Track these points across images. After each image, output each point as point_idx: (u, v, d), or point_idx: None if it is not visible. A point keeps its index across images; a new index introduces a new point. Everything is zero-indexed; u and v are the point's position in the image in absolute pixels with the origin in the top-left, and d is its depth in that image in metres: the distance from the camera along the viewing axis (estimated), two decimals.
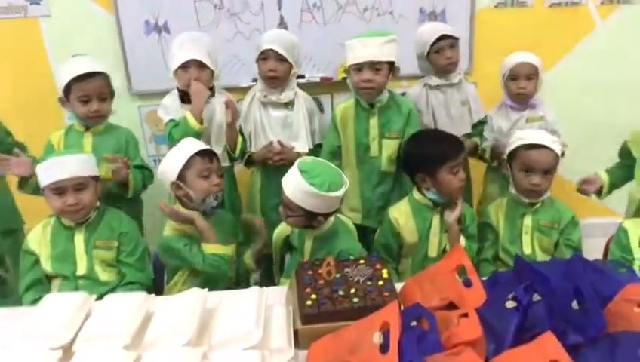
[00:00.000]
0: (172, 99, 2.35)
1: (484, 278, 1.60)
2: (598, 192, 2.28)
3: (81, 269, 1.93)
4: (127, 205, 2.23)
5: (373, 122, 2.30)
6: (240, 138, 2.38)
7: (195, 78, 2.22)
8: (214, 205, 1.97)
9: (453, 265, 1.59)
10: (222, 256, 1.91)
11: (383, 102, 2.27)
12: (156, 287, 2.06)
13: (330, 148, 2.38)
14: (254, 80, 2.84)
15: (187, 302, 1.41)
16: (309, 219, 1.79)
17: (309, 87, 2.72)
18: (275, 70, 2.30)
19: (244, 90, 2.73)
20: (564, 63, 3.00)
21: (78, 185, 1.88)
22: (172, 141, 2.21)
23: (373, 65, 2.15)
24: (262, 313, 1.37)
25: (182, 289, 1.96)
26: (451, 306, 1.46)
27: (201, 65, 2.24)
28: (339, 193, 1.74)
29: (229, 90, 2.76)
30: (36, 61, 2.80)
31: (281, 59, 2.29)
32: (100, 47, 2.78)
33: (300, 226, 1.85)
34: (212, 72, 2.30)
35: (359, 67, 2.17)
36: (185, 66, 2.23)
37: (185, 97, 2.29)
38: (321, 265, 1.63)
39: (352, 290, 1.49)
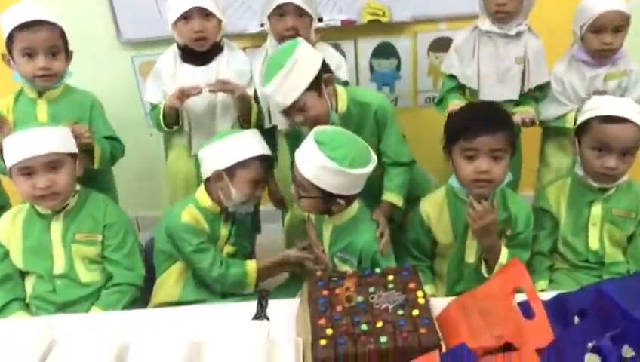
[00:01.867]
0: (168, 61, 1.98)
1: (547, 297, 1.26)
2: None
3: (59, 267, 1.66)
4: (96, 187, 1.89)
5: None
6: (255, 107, 1.99)
7: (200, 30, 1.88)
8: (250, 211, 1.78)
9: (509, 287, 1.26)
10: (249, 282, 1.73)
11: (341, 114, 1.74)
12: (148, 285, 1.77)
13: None
14: (263, 25, 2.42)
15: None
16: (325, 202, 1.51)
17: (328, 33, 2.28)
18: (296, 28, 1.89)
19: (253, 38, 2.36)
20: None
21: (51, 163, 1.56)
22: (154, 124, 1.96)
23: (294, 107, 1.66)
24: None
25: (175, 285, 1.74)
26: (507, 345, 1.12)
27: (205, 13, 1.88)
28: (364, 170, 1.47)
29: (234, 37, 2.36)
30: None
31: (302, 13, 1.89)
32: None
33: (315, 211, 1.59)
34: (219, 21, 1.93)
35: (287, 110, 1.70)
36: (186, 17, 1.87)
37: (188, 55, 1.94)
38: (337, 280, 1.30)
39: (379, 324, 1.20)
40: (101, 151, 1.87)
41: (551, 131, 2.14)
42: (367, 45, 2.50)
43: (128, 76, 2.58)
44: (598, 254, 1.68)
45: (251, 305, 1.39)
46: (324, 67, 1.67)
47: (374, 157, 1.52)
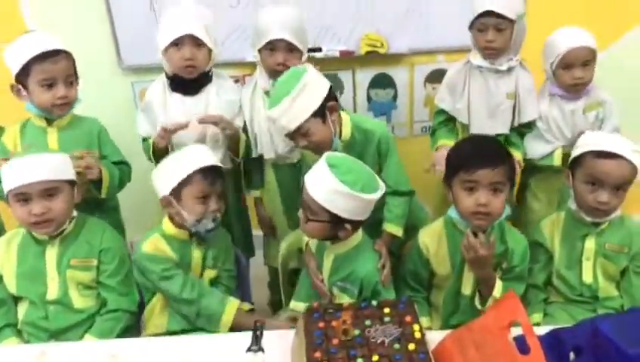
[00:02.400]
0: (157, 91, 1.96)
1: (542, 332, 1.26)
2: None
3: (52, 292, 1.64)
4: (100, 211, 1.91)
5: None
6: (243, 137, 1.99)
7: (190, 57, 1.85)
8: (210, 228, 1.66)
9: (504, 321, 1.25)
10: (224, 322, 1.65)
11: (345, 141, 1.76)
12: (142, 311, 1.77)
13: None
14: None
15: None
16: (333, 226, 1.50)
17: (327, 63, 2.32)
18: (287, 63, 1.86)
19: (251, 66, 2.36)
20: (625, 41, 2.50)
21: (47, 190, 1.56)
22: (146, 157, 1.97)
23: (297, 132, 1.68)
24: None
25: (160, 317, 1.72)
26: None
27: (197, 42, 1.85)
28: (374, 196, 1.47)
29: (233, 65, 2.41)
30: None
31: (293, 48, 1.88)
32: (83, 15, 2.43)
33: (321, 236, 1.56)
34: (210, 50, 1.91)
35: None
36: (177, 44, 1.84)
37: (177, 84, 1.92)
38: (334, 313, 1.30)
39: (375, 357, 1.20)
40: (110, 178, 1.87)
41: (536, 168, 2.13)
42: (365, 75, 2.54)
43: (129, 102, 2.59)
44: (592, 288, 1.68)
45: (246, 336, 1.38)
46: (330, 94, 1.69)
47: (382, 184, 1.53)
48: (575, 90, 1.98)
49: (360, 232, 1.59)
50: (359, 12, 2.38)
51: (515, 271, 1.63)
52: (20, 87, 1.78)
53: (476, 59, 2.02)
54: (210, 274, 1.73)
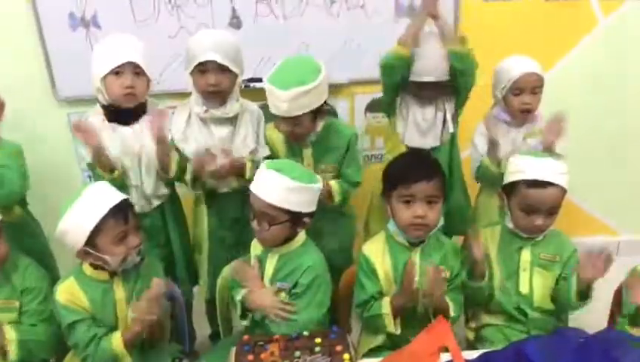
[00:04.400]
0: (96, 123, 1.89)
1: (473, 357, 1.27)
2: None
3: None
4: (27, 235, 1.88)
5: (307, 154, 1.98)
6: (176, 155, 1.95)
7: (131, 85, 1.83)
8: (137, 261, 1.60)
9: (434, 346, 1.25)
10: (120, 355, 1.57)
11: (315, 136, 1.95)
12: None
13: None
14: None
15: None
16: (294, 224, 1.60)
17: (259, 95, 2.31)
18: (219, 84, 1.87)
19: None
20: (565, 63, 2.62)
21: None
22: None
23: (292, 121, 1.83)
24: None
25: None
26: None
27: (136, 71, 1.83)
28: (318, 185, 1.62)
29: (173, 95, 2.36)
30: None
31: (224, 69, 1.87)
32: (16, 46, 2.37)
33: (282, 238, 1.62)
34: (148, 80, 1.89)
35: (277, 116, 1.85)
36: (117, 72, 1.81)
37: (114, 114, 1.88)
38: (264, 345, 1.27)
39: None
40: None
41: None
42: None
43: (65, 133, 2.50)
44: (528, 298, 1.71)
45: None
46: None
47: (318, 176, 1.66)
48: (522, 116, 2.06)
49: (303, 233, 1.66)
50: (300, 42, 2.41)
51: (456, 281, 1.68)
52: None
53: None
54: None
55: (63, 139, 2.52)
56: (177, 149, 1.96)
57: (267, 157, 1.97)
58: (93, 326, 1.55)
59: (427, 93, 2.05)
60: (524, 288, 1.72)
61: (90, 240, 1.50)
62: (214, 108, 1.93)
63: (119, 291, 1.59)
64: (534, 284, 1.72)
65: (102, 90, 1.85)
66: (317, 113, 1.86)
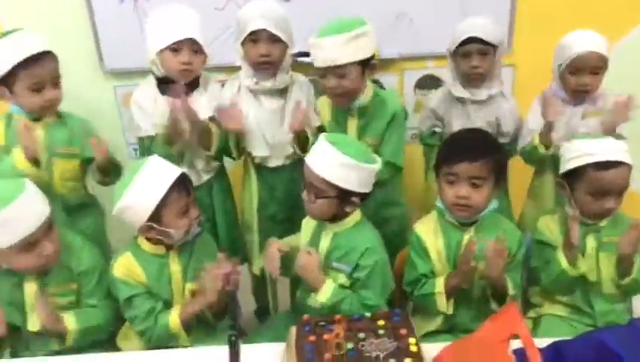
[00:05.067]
0: (147, 94, 1.88)
1: (543, 345, 1.21)
2: None
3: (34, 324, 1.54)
4: (84, 215, 1.88)
5: (352, 125, 1.90)
6: (216, 131, 1.92)
7: (189, 62, 1.80)
8: (197, 232, 1.60)
9: (505, 333, 1.20)
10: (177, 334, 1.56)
11: (363, 103, 1.86)
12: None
13: None
14: None
15: None
16: (341, 202, 1.53)
17: (308, 69, 2.26)
18: (270, 55, 1.85)
19: (238, 70, 2.29)
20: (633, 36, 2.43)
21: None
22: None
23: (336, 70, 1.74)
24: None
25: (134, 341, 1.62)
26: None
27: (195, 49, 1.81)
28: (375, 166, 1.55)
29: (220, 69, 2.32)
30: None
31: (275, 40, 1.83)
32: (64, 19, 2.35)
33: (329, 214, 1.56)
34: (205, 57, 1.86)
35: (324, 72, 1.77)
36: (174, 49, 1.78)
37: (169, 88, 1.84)
38: (326, 325, 1.24)
39: None
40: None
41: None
42: None
43: (111, 106, 2.51)
44: (596, 287, 1.65)
45: (224, 351, 1.30)
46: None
47: (378, 158, 1.60)
48: (578, 96, 1.95)
49: (359, 212, 1.60)
50: (350, 16, 2.33)
51: (516, 259, 1.61)
52: (5, 90, 1.72)
53: (457, 90, 2.02)
54: (191, 287, 1.61)
55: (109, 111, 2.52)
56: (218, 124, 1.93)
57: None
58: (151, 299, 1.55)
59: None
60: (591, 276, 1.64)
61: (154, 215, 1.48)
62: (264, 80, 1.90)
63: (175, 265, 1.58)
64: (602, 271, 1.65)
65: (156, 63, 1.83)
66: (365, 67, 1.77)
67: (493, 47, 1.93)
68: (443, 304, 1.57)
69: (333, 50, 1.70)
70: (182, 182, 1.52)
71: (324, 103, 1.96)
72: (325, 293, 1.51)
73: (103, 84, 2.48)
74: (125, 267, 1.55)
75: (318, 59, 1.76)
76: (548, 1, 2.31)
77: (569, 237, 1.59)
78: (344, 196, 1.51)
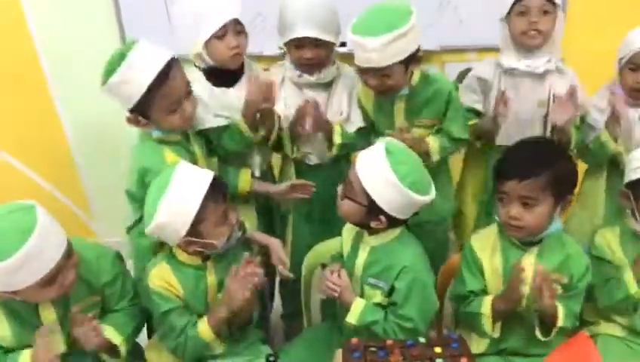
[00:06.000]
0: (197, 87, 1.69)
1: None
2: None
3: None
4: None
5: (399, 109, 1.77)
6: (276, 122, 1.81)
7: (237, 45, 1.67)
8: (239, 235, 1.49)
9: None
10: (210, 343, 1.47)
11: (410, 90, 1.74)
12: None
13: None
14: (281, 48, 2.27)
15: None
16: (367, 213, 1.39)
17: (350, 58, 2.11)
18: (314, 58, 1.76)
19: (270, 60, 2.15)
20: None
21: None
22: (226, 152, 1.78)
23: (378, 71, 1.61)
24: None
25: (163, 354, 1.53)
26: None
27: (238, 30, 1.68)
28: (421, 198, 1.36)
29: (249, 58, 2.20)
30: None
31: (321, 42, 1.73)
32: (89, 6, 2.28)
33: (353, 218, 1.45)
34: (247, 37, 1.73)
35: (365, 71, 1.64)
36: (219, 35, 1.65)
37: (217, 77, 1.73)
38: (377, 351, 1.13)
39: None
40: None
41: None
42: None
43: None
44: None
45: None
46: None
47: (434, 190, 1.42)
48: (636, 95, 1.79)
49: (399, 228, 1.46)
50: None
51: (576, 289, 1.46)
52: (139, 117, 1.53)
53: (509, 59, 1.80)
54: None
55: None
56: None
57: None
58: (187, 314, 1.46)
59: None
60: None
61: (192, 230, 1.36)
62: (309, 74, 1.80)
63: (211, 277, 1.48)
64: None
65: (203, 56, 1.69)
66: (409, 62, 1.64)
67: (554, 4, 1.73)
68: (489, 326, 1.46)
69: (376, 53, 1.55)
70: (216, 188, 1.40)
71: (366, 90, 1.81)
72: (354, 314, 1.41)
73: None
74: (162, 279, 1.44)
75: (359, 58, 1.62)
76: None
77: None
78: (373, 209, 1.37)
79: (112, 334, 1.43)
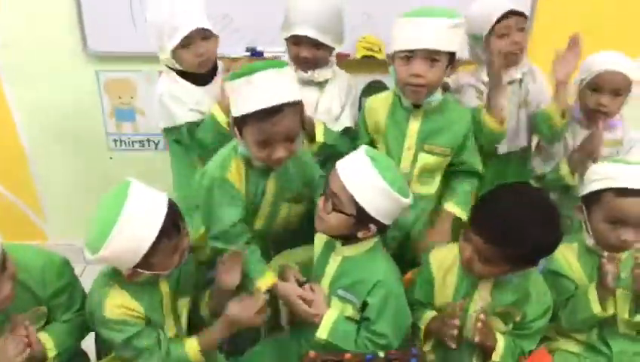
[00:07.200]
0: (175, 86, 1.78)
1: None
2: None
3: None
4: None
5: (414, 126, 1.70)
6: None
7: (202, 54, 1.72)
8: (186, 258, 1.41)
9: None
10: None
11: (431, 105, 1.67)
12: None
13: None
14: (250, 50, 2.23)
15: None
16: (356, 223, 1.36)
17: (374, 67, 2.22)
18: (310, 57, 1.78)
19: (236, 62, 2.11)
20: None
21: None
22: (203, 147, 1.75)
23: (429, 56, 1.55)
24: None
25: None
26: None
27: (203, 36, 1.71)
28: (406, 200, 1.36)
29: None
30: None
31: (320, 44, 1.76)
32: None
33: (339, 231, 1.40)
34: (216, 38, 1.76)
35: (409, 55, 1.56)
36: (184, 44, 1.69)
37: (189, 77, 1.78)
38: (330, 361, 1.09)
39: None
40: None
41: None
42: (359, 81, 2.30)
43: (91, 93, 2.32)
44: (612, 325, 1.53)
45: None
46: None
47: (410, 193, 1.41)
48: (595, 116, 1.82)
49: (376, 238, 1.45)
50: (357, 13, 2.18)
51: (526, 327, 1.46)
52: (236, 130, 1.46)
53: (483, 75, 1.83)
54: (184, 304, 1.46)
55: (89, 97, 2.33)
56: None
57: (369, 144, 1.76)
58: (151, 328, 1.38)
59: None
60: (610, 308, 1.50)
61: (142, 263, 1.27)
62: (303, 71, 1.81)
63: (164, 286, 1.42)
64: (619, 305, 1.51)
65: (172, 62, 1.75)
66: (451, 61, 1.59)
67: (526, 18, 1.80)
68: (421, 340, 1.48)
69: (431, 33, 1.51)
70: (170, 217, 1.28)
71: (381, 101, 1.77)
72: (325, 328, 1.37)
73: (84, 67, 2.28)
74: (121, 306, 1.34)
75: (408, 39, 1.55)
76: (566, 14, 2.20)
77: (603, 280, 1.44)
78: (362, 219, 1.35)
79: (50, 345, 1.35)
